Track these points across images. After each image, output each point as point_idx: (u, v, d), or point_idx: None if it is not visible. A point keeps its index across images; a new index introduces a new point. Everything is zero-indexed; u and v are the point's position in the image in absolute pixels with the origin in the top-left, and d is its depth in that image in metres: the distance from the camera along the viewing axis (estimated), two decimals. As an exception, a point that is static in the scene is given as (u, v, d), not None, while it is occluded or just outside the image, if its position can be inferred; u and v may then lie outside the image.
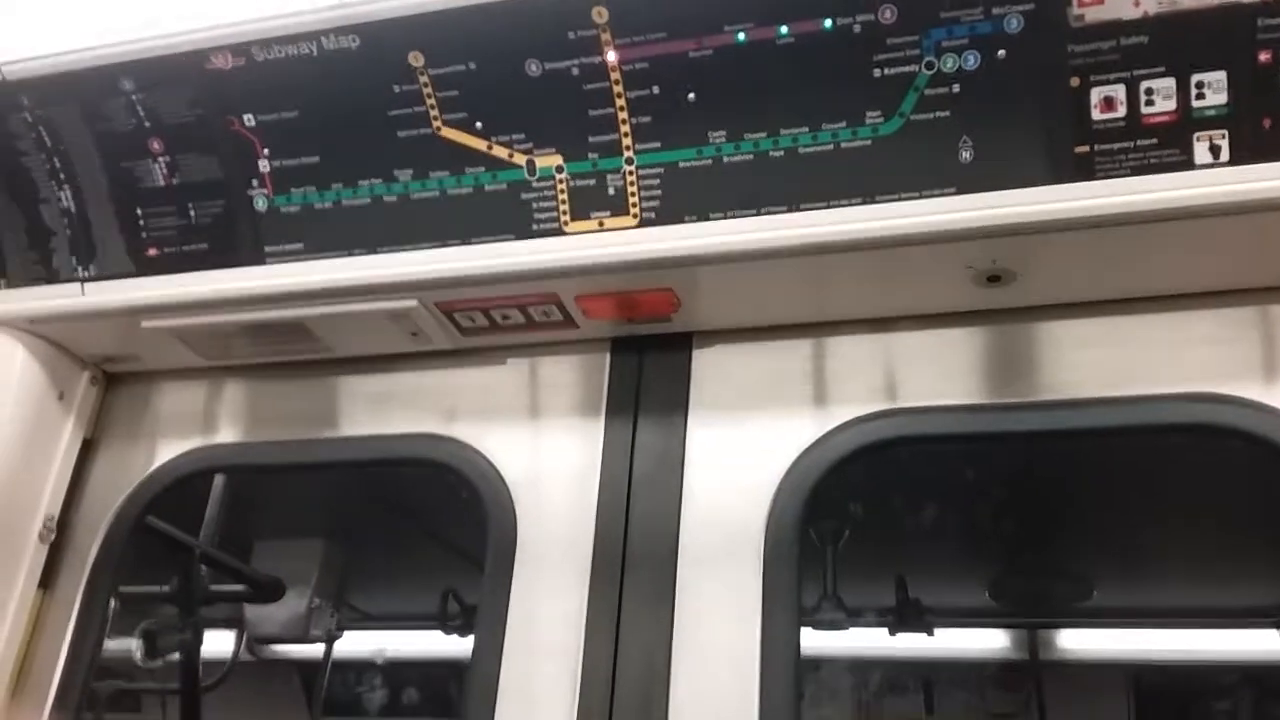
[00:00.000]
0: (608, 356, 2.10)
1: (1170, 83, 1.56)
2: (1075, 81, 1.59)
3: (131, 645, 2.70)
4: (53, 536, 2.18)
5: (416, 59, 1.80)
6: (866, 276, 1.85)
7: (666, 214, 1.80)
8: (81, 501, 2.24)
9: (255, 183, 1.95)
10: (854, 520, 2.91)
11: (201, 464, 2.29)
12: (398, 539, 3.71)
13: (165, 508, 2.34)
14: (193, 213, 2.00)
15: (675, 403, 2.02)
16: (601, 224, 1.83)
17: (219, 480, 2.91)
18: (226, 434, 2.28)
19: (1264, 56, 1.52)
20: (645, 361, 2.07)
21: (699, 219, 1.79)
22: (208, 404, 2.31)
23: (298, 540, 3.72)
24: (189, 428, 2.30)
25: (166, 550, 2.62)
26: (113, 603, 2.24)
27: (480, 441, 2.11)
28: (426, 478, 2.28)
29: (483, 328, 2.07)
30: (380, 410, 2.21)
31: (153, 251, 2.03)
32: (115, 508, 2.23)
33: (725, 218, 1.78)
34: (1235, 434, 1.74)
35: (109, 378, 2.35)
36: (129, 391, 2.35)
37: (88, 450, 2.29)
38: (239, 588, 3.13)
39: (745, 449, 1.95)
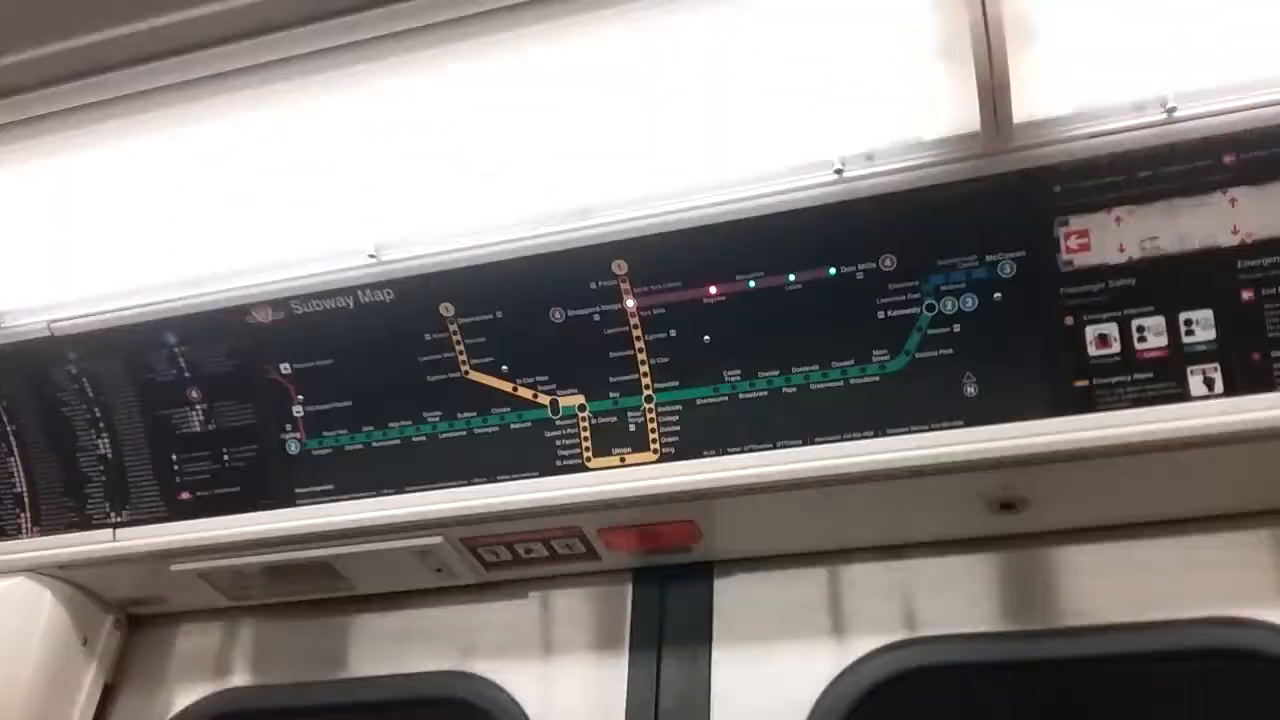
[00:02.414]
0: (630, 587, 2.12)
1: (1160, 320, 1.66)
2: (1070, 320, 1.69)
3: None
4: (71, 787, 2.14)
5: (447, 309, 1.91)
6: (882, 505, 1.89)
7: (685, 449, 1.87)
8: (100, 749, 2.22)
9: (289, 427, 2.03)
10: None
11: (222, 708, 2.26)
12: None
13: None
14: (226, 457, 2.07)
15: (699, 634, 2.03)
16: (623, 459, 1.90)
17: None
18: (247, 676, 2.28)
19: (1247, 295, 1.62)
20: (668, 592, 2.09)
21: (717, 453, 1.85)
22: (228, 645, 2.31)
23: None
24: (209, 670, 2.30)
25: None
26: None
27: (502, 677, 2.10)
28: (443, 711, 2.25)
29: (506, 561, 2.10)
30: (401, 648, 2.21)
31: (185, 495, 2.09)
32: (134, 757, 2.20)
33: (742, 451, 1.84)
34: (1259, 658, 1.74)
35: (131, 620, 2.36)
36: (150, 634, 2.36)
37: (108, 696, 2.27)
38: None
39: (771, 680, 1.95)
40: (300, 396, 2.01)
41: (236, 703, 2.28)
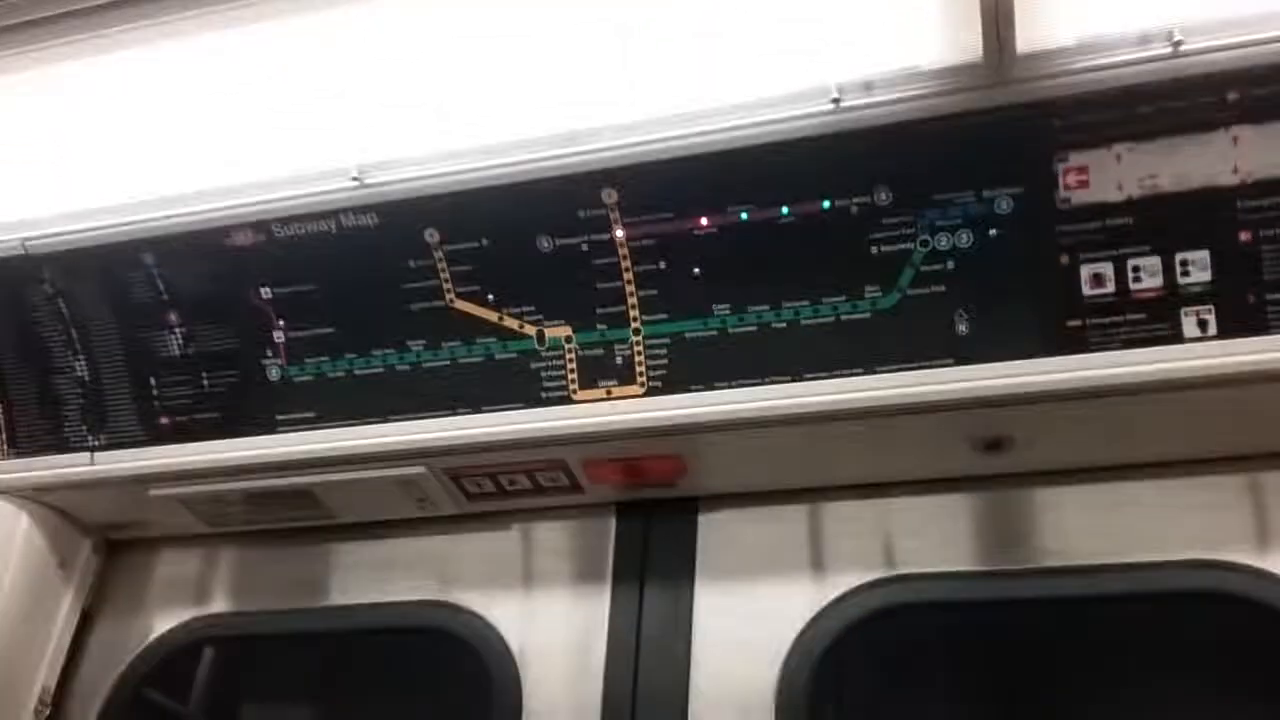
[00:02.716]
0: (613, 521, 2.11)
1: (1156, 261, 1.64)
2: (1065, 259, 1.66)
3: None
4: (47, 711, 2.13)
5: (432, 235, 1.87)
6: (868, 443, 1.87)
7: (673, 383, 1.85)
8: (77, 674, 2.21)
9: (270, 352, 2.00)
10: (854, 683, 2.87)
11: (200, 634, 2.26)
12: (390, 703, 3.61)
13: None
14: (206, 382, 2.04)
15: (682, 568, 2.02)
16: (609, 392, 1.87)
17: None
18: (226, 603, 2.27)
19: (1244, 236, 1.60)
20: (651, 526, 2.08)
21: (704, 388, 1.83)
22: (207, 572, 2.30)
23: (284, 706, 3.62)
24: (188, 596, 2.28)
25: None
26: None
27: (484, 608, 2.10)
28: (422, 641, 2.25)
29: (489, 493, 2.08)
30: (382, 577, 2.20)
31: (165, 420, 2.06)
32: (112, 681, 2.19)
33: (730, 386, 1.82)
34: (1236, 600, 1.75)
35: (109, 545, 2.34)
36: (129, 560, 2.34)
37: (85, 620, 2.26)
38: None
39: (753, 616, 1.95)
40: (281, 322, 1.98)
41: (215, 629, 2.28)
